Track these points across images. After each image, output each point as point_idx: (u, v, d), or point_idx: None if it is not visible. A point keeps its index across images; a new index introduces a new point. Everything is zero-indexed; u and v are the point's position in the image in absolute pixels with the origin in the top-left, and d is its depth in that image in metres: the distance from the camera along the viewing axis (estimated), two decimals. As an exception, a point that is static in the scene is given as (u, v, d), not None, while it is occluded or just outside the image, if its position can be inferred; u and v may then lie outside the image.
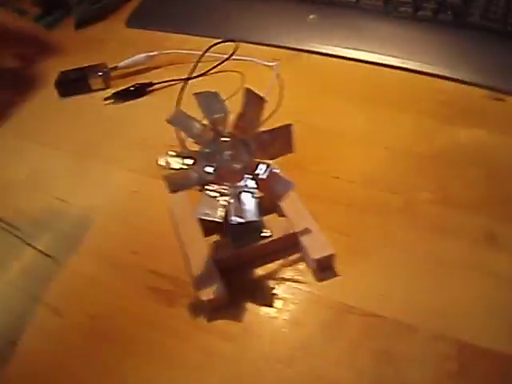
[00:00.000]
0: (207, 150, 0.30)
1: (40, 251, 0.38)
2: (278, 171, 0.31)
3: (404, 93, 0.49)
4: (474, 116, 0.45)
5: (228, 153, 0.30)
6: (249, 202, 0.30)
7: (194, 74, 0.51)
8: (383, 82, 0.50)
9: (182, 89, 0.47)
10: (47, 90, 0.55)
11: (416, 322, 0.32)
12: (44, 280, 0.37)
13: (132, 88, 0.53)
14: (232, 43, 0.53)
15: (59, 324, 0.34)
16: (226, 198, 0.30)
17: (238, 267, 0.35)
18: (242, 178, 0.31)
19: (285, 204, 0.35)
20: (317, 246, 0.34)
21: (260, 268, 0.35)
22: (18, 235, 0.40)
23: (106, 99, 0.52)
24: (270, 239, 0.34)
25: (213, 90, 0.30)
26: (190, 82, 0.51)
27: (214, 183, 0.30)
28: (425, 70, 0.50)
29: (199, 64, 0.53)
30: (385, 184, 0.40)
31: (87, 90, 0.55)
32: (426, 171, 0.41)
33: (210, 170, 0.30)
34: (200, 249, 0.34)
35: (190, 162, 0.30)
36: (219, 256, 0.33)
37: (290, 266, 0.35)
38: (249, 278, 0.35)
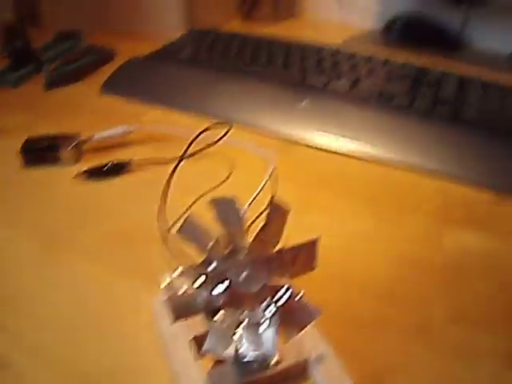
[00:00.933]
0: (220, 269, 0.25)
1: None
2: (301, 296, 0.26)
3: (406, 193, 0.46)
4: (479, 220, 0.43)
5: (245, 273, 0.25)
6: (266, 334, 0.25)
7: (177, 155, 0.47)
8: (382, 180, 0.48)
9: (173, 173, 0.42)
10: (10, 155, 0.49)
11: None
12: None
13: (107, 167, 0.47)
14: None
15: None
16: (239, 328, 0.25)
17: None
18: (258, 304, 0.26)
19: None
20: (333, 378, 0.29)
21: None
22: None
23: (76, 176, 0.47)
24: (280, 367, 0.29)
25: (230, 197, 0.26)
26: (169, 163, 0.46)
27: (225, 308, 0.25)
28: (424, 168, 0.48)
29: (179, 143, 0.49)
30: (399, 298, 0.36)
31: (56, 161, 0.49)
32: (438, 283, 0.38)
33: (221, 292, 0.25)
34: (195, 380, 0.28)
35: (200, 281, 0.25)
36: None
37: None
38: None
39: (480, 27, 0.71)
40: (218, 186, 0.46)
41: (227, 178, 0.47)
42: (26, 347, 0.32)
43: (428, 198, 0.45)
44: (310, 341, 0.30)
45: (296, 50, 0.66)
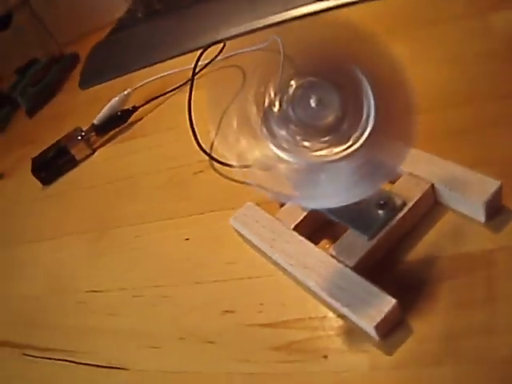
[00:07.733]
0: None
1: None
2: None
3: None
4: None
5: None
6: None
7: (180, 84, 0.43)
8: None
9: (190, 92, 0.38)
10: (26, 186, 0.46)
11: None
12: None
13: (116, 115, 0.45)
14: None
15: None
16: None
17: (381, 262, 0.24)
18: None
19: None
20: (475, 184, 0.23)
21: (410, 252, 0.24)
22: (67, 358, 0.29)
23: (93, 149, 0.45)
24: (408, 207, 0.24)
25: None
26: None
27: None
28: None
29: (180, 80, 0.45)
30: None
31: (71, 163, 0.44)
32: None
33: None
34: (320, 262, 0.23)
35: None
36: (355, 259, 0.23)
37: (447, 233, 0.24)
38: (403, 273, 0.24)
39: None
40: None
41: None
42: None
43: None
44: (426, 164, 0.25)
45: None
